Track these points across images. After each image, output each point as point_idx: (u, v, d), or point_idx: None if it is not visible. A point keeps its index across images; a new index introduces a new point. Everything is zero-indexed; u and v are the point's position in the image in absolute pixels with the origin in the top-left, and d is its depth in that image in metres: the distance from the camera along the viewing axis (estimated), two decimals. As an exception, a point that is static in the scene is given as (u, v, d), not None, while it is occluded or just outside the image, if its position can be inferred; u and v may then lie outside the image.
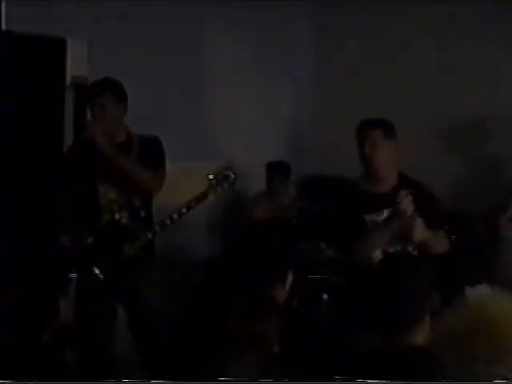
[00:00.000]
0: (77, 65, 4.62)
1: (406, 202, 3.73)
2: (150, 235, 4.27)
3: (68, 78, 4.57)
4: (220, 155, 5.73)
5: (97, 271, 4.13)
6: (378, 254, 3.71)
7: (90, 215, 4.19)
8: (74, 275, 4.17)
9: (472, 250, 4.31)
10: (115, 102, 4.18)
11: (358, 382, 2.42)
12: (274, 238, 5.12)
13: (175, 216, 4.28)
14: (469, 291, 3.77)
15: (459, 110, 6.30)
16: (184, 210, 4.30)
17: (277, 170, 6.08)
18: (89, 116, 4.27)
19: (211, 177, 4.36)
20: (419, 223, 3.77)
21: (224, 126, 6.19)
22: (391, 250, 3.79)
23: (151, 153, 4.28)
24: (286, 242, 5.28)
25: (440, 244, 3.93)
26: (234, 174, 4.41)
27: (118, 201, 4.21)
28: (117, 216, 4.19)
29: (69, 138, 4.55)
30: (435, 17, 6.54)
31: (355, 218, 3.85)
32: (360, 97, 6.74)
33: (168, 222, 4.27)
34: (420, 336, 2.66)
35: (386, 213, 3.84)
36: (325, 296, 5.23)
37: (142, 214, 4.30)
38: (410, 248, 3.85)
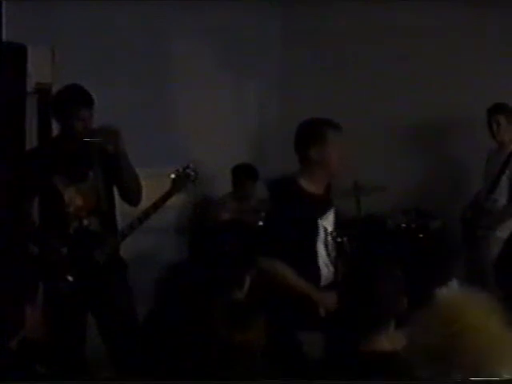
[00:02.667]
0: (40, 71, 4.58)
1: None
2: (119, 239, 4.27)
3: (31, 85, 4.53)
4: (185, 159, 5.71)
5: (70, 279, 4.10)
6: None
7: (58, 223, 4.15)
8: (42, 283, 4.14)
9: (440, 249, 4.33)
10: (92, 113, 4.15)
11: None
12: (233, 240, 5.13)
13: (142, 217, 4.29)
14: (438, 291, 3.80)
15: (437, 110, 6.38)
16: (151, 210, 4.32)
17: (243, 173, 6.11)
18: (61, 124, 4.20)
19: (173, 176, 4.44)
20: None
21: (189, 129, 6.19)
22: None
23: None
24: (248, 245, 5.28)
25: None
26: (194, 171, 4.48)
27: (86, 207, 4.18)
28: (85, 222, 4.17)
29: (30, 145, 4.52)
30: (397, 17, 6.62)
31: None
32: (326, 98, 6.79)
33: (136, 223, 4.29)
34: (386, 341, 2.65)
35: None
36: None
37: (109, 218, 4.28)
38: None
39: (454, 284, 3.75)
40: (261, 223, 5.74)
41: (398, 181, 6.27)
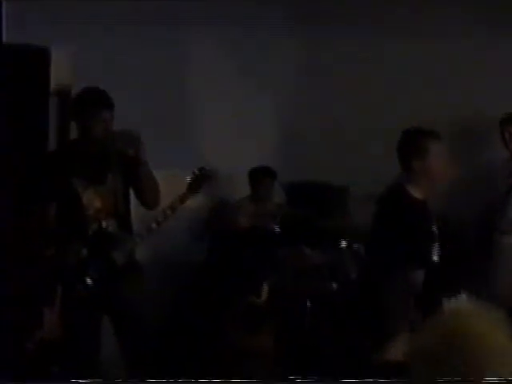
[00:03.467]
0: (61, 74, 4.61)
1: None
2: (137, 240, 4.28)
3: (52, 87, 4.56)
4: (202, 161, 5.73)
5: (89, 281, 4.11)
6: None
7: (77, 225, 4.16)
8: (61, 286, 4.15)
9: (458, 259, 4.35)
10: (112, 116, 4.15)
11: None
12: (251, 247, 5.15)
13: (160, 218, 4.31)
14: (446, 303, 3.86)
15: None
16: (169, 211, 4.34)
17: (261, 176, 6.10)
18: (80, 127, 4.21)
19: (189, 178, 4.52)
20: None
21: (206, 132, 6.21)
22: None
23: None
24: (266, 251, 5.29)
25: None
26: (211, 173, 4.57)
27: (104, 209, 4.19)
28: (104, 224, 4.17)
29: (52, 146, 4.55)
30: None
31: None
32: (344, 104, 6.78)
33: (154, 225, 4.30)
34: (398, 351, 2.64)
35: None
36: (308, 303, 5.23)
37: (126, 221, 4.29)
38: None
39: (463, 297, 3.82)
40: (278, 229, 5.76)
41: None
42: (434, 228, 4.12)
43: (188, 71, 6.15)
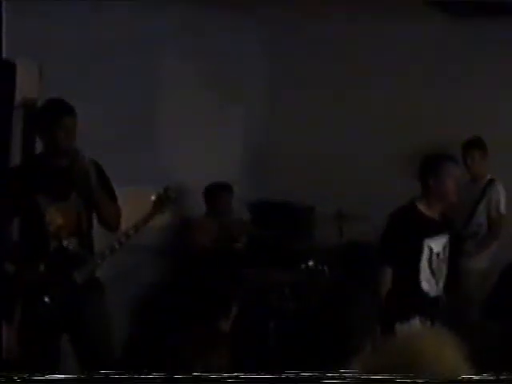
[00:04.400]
0: (27, 87, 4.55)
1: None
2: (99, 260, 4.24)
3: (18, 100, 4.51)
4: (167, 179, 5.69)
5: (47, 299, 4.04)
6: None
7: (38, 242, 4.10)
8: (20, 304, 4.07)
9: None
10: (75, 124, 4.13)
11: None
12: (215, 266, 5.11)
13: (123, 238, 4.27)
14: (399, 327, 4.10)
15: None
16: (131, 231, 4.29)
17: (217, 192, 6.02)
18: (44, 138, 4.17)
19: (154, 198, 4.47)
20: None
21: (172, 149, 6.17)
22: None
23: (104, 179, 4.26)
24: (231, 271, 5.26)
25: None
26: (176, 193, 4.53)
27: (66, 227, 4.14)
28: (65, 243, 4.12)
29: (16, 160, 4.49)
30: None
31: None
32: (313, 120, 6.81)
33: (116, 245, 4.25)
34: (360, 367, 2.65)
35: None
36: (271, 324, 5.21)
37: (88, 239, 4.25)
38: None
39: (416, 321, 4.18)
40: (241, 248, 5.73)
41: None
42: (433, 243, 4.42)
43: (156, 83, 6.11)
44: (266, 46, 7.10)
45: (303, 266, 5.62)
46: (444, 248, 4.46)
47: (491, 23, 6.18)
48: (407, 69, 6.71)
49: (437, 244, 4.42)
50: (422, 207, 4.42)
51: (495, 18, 6.09)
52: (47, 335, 4.08)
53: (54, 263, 4.07)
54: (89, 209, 4.22)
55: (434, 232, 4.41)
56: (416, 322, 4.22)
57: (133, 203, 4.51)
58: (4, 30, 3.91)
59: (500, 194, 5.99)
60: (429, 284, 4.39)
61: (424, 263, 4.36)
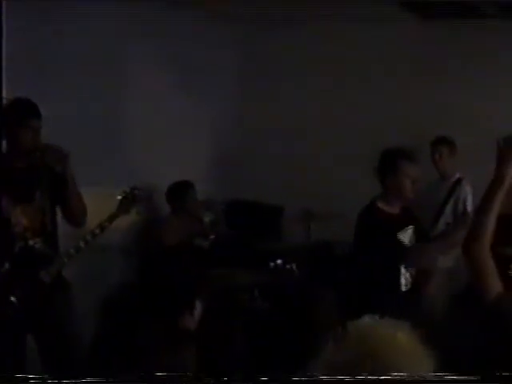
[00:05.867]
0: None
1: None
2: (65, 259, 4.22)
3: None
4: (133, 179, 5.67)
5: (13, 299, 4.01)
6: None
7: (3, 242, 4.06)
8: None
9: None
10: (40, 125, 4.11)
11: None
12: (182, 264, 5.10)
13: (89, 237, 4.26)
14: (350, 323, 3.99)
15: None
16: (97, 230, 4.29)
17: (180, 190, 6.01)
18: (8, 138, 4.14)
19: (120, 197, 4.49)
20: None
21: (138, 149, 6.15)
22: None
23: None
24: (196, 268, 5.25)
25: None
26: (142, 192, 4.54)
27: (31, 227, 4.11)
28: (31, 242, 4.09)
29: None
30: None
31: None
32: (283, 120, 6.83)
33: (82, 244, 4.24)
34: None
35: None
36: (239, 323, 5.20)
37: (53, 239, 4.23)
38: None
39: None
40: (209, 247, 5.72)
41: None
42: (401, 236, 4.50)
43: (122, 83, 6.08)
44: (239, 45, 7.11)
45: (272, 264, 5.62)
46: (410, 240, 4.51)
47: (464, 24, 6.26)
48: (380, 69, 6.75)
49: (404, 237, 4.48)
50: (381, 205, 4.48)
51: (468, 20, 6.17)
52: (13, 335, 4.05)
53: (20, 263, 4.05)
54: (54, 208, 4.21)
55: (397, 227, 4.46)
56: (378, 317, 4.21)
57: (98, 203, 4.50)
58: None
59: (468, 192, 6.04)
60: (403, 278, 4.44)
61: (394, 259, 4.40)
